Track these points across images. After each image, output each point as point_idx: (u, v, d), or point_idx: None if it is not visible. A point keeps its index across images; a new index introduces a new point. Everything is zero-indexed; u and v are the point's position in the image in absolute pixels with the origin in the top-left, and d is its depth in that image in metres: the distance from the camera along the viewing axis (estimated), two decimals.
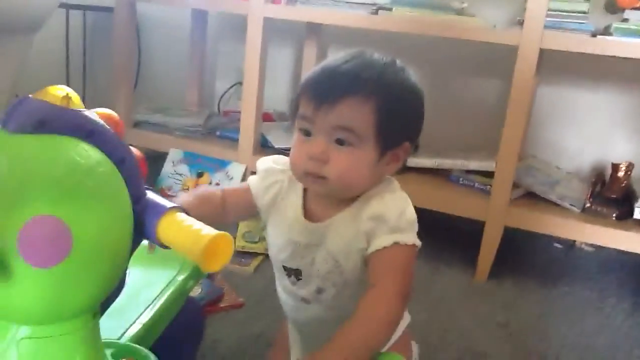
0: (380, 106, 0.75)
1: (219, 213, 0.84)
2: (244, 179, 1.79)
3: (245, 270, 1.45)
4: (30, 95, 0.52)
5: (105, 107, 0.62)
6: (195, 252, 0.53)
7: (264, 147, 1.84)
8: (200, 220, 0.70)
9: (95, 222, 0.50)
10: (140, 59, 2.29)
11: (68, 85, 0.57)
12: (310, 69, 0.82)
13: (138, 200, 0.57)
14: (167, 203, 0.59)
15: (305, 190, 0.83)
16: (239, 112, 1.83)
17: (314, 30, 2.03)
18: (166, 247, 0.58)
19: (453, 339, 1.25)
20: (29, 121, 0.50)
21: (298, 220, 0.81)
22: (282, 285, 0.87)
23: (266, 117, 1.98)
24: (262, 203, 0.85)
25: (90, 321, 0.55)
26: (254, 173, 0.89)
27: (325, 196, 0.80)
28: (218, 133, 1.96)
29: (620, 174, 1.61)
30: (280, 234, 0.83)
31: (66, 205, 0.49)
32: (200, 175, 1.86)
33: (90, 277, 0.51)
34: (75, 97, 0.54)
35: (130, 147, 0.59)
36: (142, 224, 0.57)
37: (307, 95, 0.77)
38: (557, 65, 1.80)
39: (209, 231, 0.54)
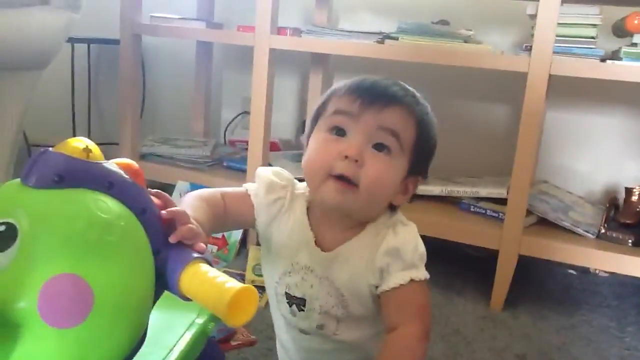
0: (420, 126, 0.76)
1: (222, 219, 0.78)
2: None
3: None
4: (50, 149, 0.50)
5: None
6: (220, 307, 0.51)
7: None
8: (212, 225, 0.69)
9: (117, 279, 0.49)
10: (145, 90, 2.28)
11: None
12: (316, 97, 0.81)
13: (159, 251, 0.56)
14: (189, 253, 0.57)
15: (308, 209, 0.79)
16: (246, 141, 1.82)
17: (319, 59, 2.03)
18: (188, 300, 0.55)
19: None
20: (49, 175, 0.49)
21: (308, 244, 0.77)
22: (279, 315, 0.84)
23: (273, 146, 1.97)
24: (262, 219, 0.80)
25: None
26: None
27: (334, 218, 0.76)
28: (225, 164, 1.95)
29: (634, 198, 1.59)
30: (284, 255, 0.79)
31: (87, 262, 0.47)
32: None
33: (112, 335, 0.49)
34: (95, 149, 0.53)
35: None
36: (164, 276, 0.56)
37: (350, 94, 0.74)
38: (566, 90, 1.80)
39: (233, 285, 0.52)
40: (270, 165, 1.84)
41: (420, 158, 0.77)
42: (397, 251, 0.73)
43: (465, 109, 1.98)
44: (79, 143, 0.52)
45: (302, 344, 0.83)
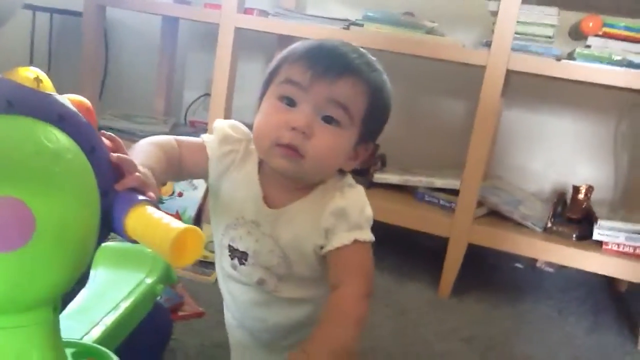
0: (372, 94, 0.75)
1: (177, 168, 0.77)
2: (207, 190, 1.76)
3: (206, 279, 1.42)
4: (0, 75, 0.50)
5: None
6: (164, 245, 0.50)
7: None
8: (166, 173, 0.67)
9: (60, 208, 0.48)
10: (107, 65, 2.25)
11: None
12: None
13: (106, 192, 0.55)
14: (136, 196, 0.57)
15: (260, 166, 0.79)
16: (206, 123, 1.81)
17: (285, 43, 2.03)
18: (134, 242, 0.55)
19: (418, 353, 1.25)
20: None
21: (255, 200, 0.77)
22: (221, 267, 0.84)
23: None
24: (214, 169, 0.80)
25: (50, 314, 0.52)
26: None
27: (283, 178, 0.76)
28: None
29: (581, 196, 1.64)
30: (232, 208, 0.79)
31: (30, 188, 0.46)
32: (163, 183, 1.83)
33: (52, 265, 0.48)
34: (46, 80, 0.52)
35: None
36: (110, 217, 0.55)
37: (302, 62, 0.72)
38: (523, 90, 1.85)
39: (178, 224, 0.52)
40: None
41: (371, 127, 0.77)
42: (343, 211, 0.74)
43: (426, 102, 2.01)
44: (30, 72, 0.51)
45: (242, 297, 0.83)
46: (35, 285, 0.48)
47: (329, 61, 0.72)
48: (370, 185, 1.71)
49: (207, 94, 2.20)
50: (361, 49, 0.78)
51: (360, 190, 0.78)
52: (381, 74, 0.78)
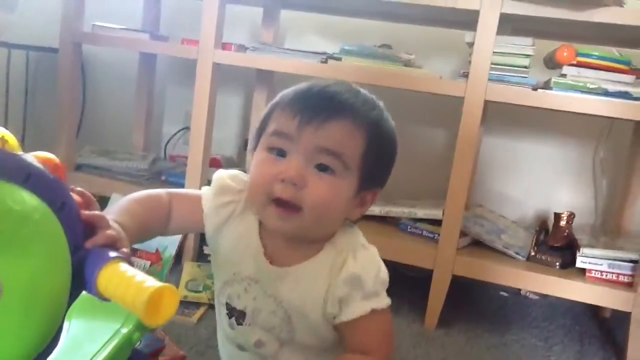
0: (370, 137, 0.69)
1: (161, 223, 0.74)
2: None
3: (187, 320, 1.39)
4: None
5: (47, 149, 0.58)
6: (138, 305, 0.49)
7: None
8: (144, 229, 0.63)
9: (28, 272, 0.47)
10: (85, 101, 2.23)
11: (6, 127, 0.53)
12: (260, 114, 0.75)
13: (77, 249, 0.54)
14: (107, 253, 0.55)
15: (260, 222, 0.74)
16: (186, 156, 1.79)
17: (264, 77, 2.04)
18: (106, 300, 0.54)
19: None
20: None
21: (255, 255, 0.73)
22: (221, 327, 0.80)
23: (213, 163, 1.94)
24: (211, 222, 0.76)
25: None
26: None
27: (283, 236, 0.72)
28: (163, 177, 1.92)
29: (563, 223, 1.65)
30: (230, 263, 0.75)
31: None
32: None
33: (21, 329, 0.47)
34: (11, 139, 0.51)
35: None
36: (81, 275, 0.53)
37: (289, 109, 0.69)
38: (502, 118, 1.87)
39: (152, 283, 0.50)
40: (209, 181, 1.81)
41: (374, 170, 0.72)
42: (358, 279, 0.70)
43: (406, 133, 2.01)
44: None
45: None
46: (5, 349, 0.46)
47: (316, 105, 0.68)
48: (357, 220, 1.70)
49: (187, 128, 2.19)
50: (357, 87, 0.74)
51: (373, 252, 0.74)
52: (381, 112, 0.73)
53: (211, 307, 0.77)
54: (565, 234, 1.64)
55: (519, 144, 1.96)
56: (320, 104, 0.68)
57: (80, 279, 0.54)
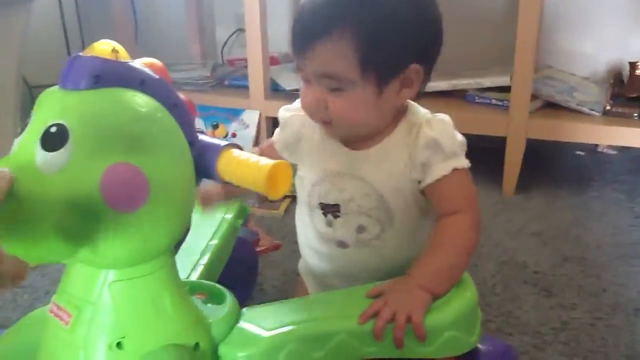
0: (359, 41, 0.67)
1: None
2: (259, 124, 1.78)
3: (275, 213, 1.46)
4: (79, 53, 0.52)
5: None
6: (259, 181, 0.54)
7: (275, 91, 1.82)
8: None
9: (165, 166, 0.52)
10: (136, 17, 2.24)
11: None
12: None
13: (192, 143, 0.58)
14: (219, 142, 0.60)
15: None
16: (244, 59, 1.80)
17: None
18: (227, 183, 0.59)
19: (490, 252, 1.27)
20: (85, 77, 0.50)
21: (336, 149, 0.76)
22: (315, 231, 0.81)
23: (272, 61, 1.95)
24: (284, 142, 0.82)
25: (170, 259, 0.58)
26: (271, 119, 0.86)
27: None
28: (227, 82, 1.94)
29: (638, 72, 1.59)
30: (314, 166, 0.78)
31: (137, 152, 0.50)
32: (215, 127, 1.86)
33: (168, 219, 0.53)
34: (121, 50, 0.55)
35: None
36: (200, 165, 0.59)
37: (292, 36, 0.71)
38: None
39: (267, 161, 0.56)
40: (272, 79, 1.83)
41: (384, 60, 0.69)
42: (436, 142, 0.71)
43: (462, 1, 1.94)
44: (105, 46, 0.54)
45: (340, 263, 0.80)
46: (157, 239, 0.53)
47: (303, 32, 0.70)
48: (417, 96, 1.69)
49: (239, 29, 2.18)
50: None
51: (445, 118, 0.75)
52: (384, 3, 0.68)
53: (294, 198, 0.80)
54: None
55: None
56: (304, 32, 0.70)
57: (199, 170, 0.59)
